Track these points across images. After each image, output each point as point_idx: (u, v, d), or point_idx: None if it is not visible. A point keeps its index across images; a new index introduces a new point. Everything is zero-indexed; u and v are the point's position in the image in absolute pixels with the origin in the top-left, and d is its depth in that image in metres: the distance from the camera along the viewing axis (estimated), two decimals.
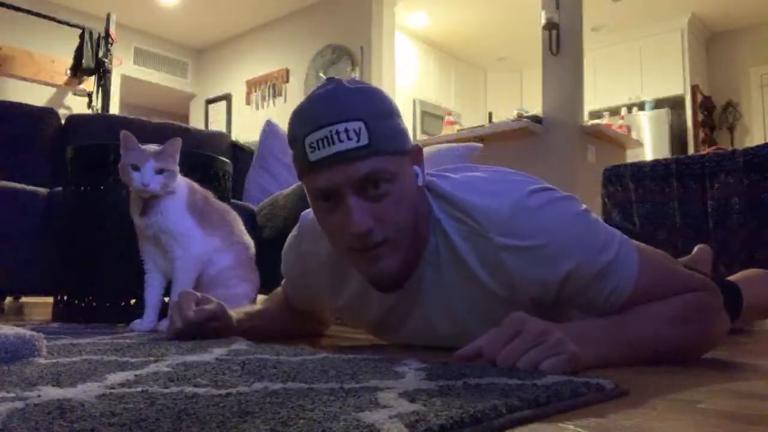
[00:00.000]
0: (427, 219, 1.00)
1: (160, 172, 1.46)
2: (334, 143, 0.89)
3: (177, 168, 1.51)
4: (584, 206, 0.98)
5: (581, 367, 0.80)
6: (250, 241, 1.70)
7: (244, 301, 1.56)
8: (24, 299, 3.39)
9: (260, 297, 1.64)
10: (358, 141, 0.89)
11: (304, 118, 0.93)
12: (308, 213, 1.21)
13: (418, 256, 1.00)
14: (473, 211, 0.95)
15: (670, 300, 0.95)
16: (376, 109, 0.92)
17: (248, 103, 6.77)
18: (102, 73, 5.42)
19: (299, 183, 2.17)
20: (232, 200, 2.11)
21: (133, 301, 1.79)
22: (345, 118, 0.89)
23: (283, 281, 1.34)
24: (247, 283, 1.62)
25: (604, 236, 0.94)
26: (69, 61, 5.56)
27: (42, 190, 2.21)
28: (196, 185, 1.63)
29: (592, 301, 0.94)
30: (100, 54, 5.41)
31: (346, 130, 0.89)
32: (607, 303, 0.94)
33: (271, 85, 6.52)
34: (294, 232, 1.24)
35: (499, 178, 1.00)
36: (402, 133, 0.96)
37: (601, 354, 0.87)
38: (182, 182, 1.57)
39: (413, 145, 0.99)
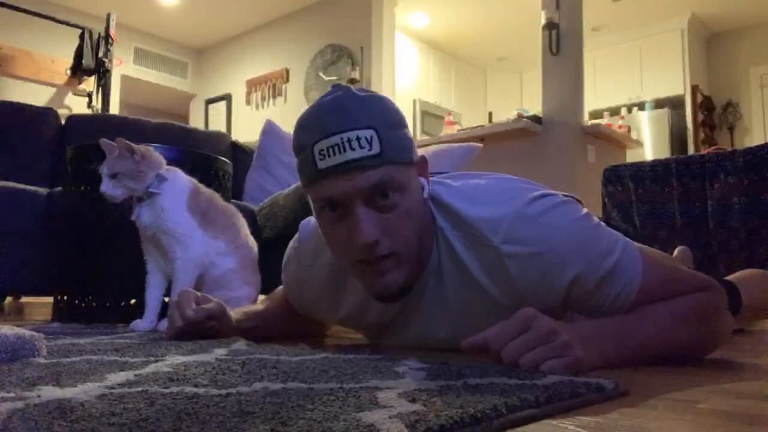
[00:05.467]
0: (431, 229, 1.00)
1: (113, 176, 1.46)
2: (345, 151, 0.87)
3: (134, 167, 1.46)
4: (585, 210, 0.98)
5: (584, 371, 0.80)
6: (254, 244, 1.70)
7: (245, 303, 1.56)
8: (24, 299, 3.39)
9: (260, 297, 1.64)
10: (370, 149, 0.87)
11: (313, 126, 0.91)
12: (307, 222, 1.20)
13: (422, 267, 1.00)
14: (475, 220, 0.95)
15: (675, 300, 0.95)
16: (387, 117, 0.92)
17: (248, 103, 6.77)
18: (102, 73, 5.42)
19: (299, 182, 2.17)
20: (232, 200, 2.11)
21: (133, 301, 1.79)
22: (356, 126, 0.88)
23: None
24: (249, 286, 1.62)
25: (606, 240, 0.94)
26: (69, 61, 5.56)
27: (42, 190, 2.21)
28: (202, 187, 1.62)
29: (598, 305, 0.94)
30: (100, 54, 5.41)
31: (358, 138, 0.87)
32: (613, 306, 0.94)
33: (271, 85, 6.52)
34: (293, 243, 1.23)
35: (499, 186, 0.99)
36: (410, 143, 0.95)
37: (607, 355, 0.87)
38: (184, 182, 1.57)
39: (419, 156, 0.98)
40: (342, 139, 0.88)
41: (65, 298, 1.84)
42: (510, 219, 0.93)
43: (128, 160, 1.47)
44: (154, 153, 1.55)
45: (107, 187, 1.46)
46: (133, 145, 1.48)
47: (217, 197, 1.65)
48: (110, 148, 1.47)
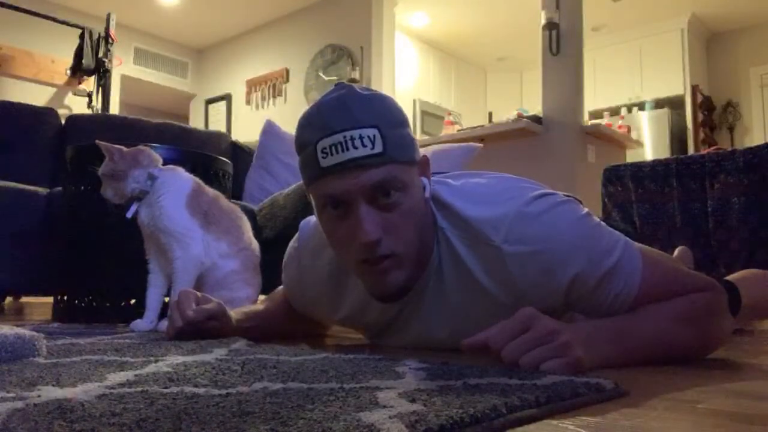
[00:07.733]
0: (432, 229, 1.00)
1: (102, 178, 1.50)
2: (348, 149, 0.87)
3: (113, 167, 1.49)
4: (586, 209, 0.98)
5: (584, 371, 0.80)
6: (257, 246, 1.70)
7: (246, 303, 1.56)
8: (24, 299, 3.40)
9: (260, 297, 1.64)
10: (373, 148, 0.88)
11: (316, 124, 0.91)
12: (307, 222, 1.20)
13: (422, 267, 1.00)
14: (476, 220, 0.95)
15: (676, 300, 0.95)
16: (390, 116, 0.92)
17: (248, 103, 6.77)
18: (102, 73, 5.42)
19: (299, 183, 2.17)
20: (232, 200, 2.12)
21: (133, 301, 1.79)
22: (359, 125, 0.88)
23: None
24: (250, 287, 1.62)
25: (607, 240, 0.94)
26: (69, 61, 5.56)
27: (42, 190, 2.21)
28: (206, 187, 1.62)
29: (598, 305, 0.94)
30: (100, 54, 5.41)
31: (361, 137, 0.87)
32: (613, 306, 0.94)
33: (271, 85, 6.51)
34: (293, 243, 1.23)
35: (499, 185, 0.99)
36: (412, 142, 0.95)
37: (607, 355, 0.87)
38: (185, 181, 1.57)
39: (421, 155, 0.98)
40: (345, 137, 0.88)
41: (65, 298, 1.84)
42: (511, 218, 0.93)
43: (110, 161, 1.49)
44: (144, 152, 1.54)
45: (102, 189, 1.51)
46: (110, 146, 1.49)
47: (222, 198, 1.65)
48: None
